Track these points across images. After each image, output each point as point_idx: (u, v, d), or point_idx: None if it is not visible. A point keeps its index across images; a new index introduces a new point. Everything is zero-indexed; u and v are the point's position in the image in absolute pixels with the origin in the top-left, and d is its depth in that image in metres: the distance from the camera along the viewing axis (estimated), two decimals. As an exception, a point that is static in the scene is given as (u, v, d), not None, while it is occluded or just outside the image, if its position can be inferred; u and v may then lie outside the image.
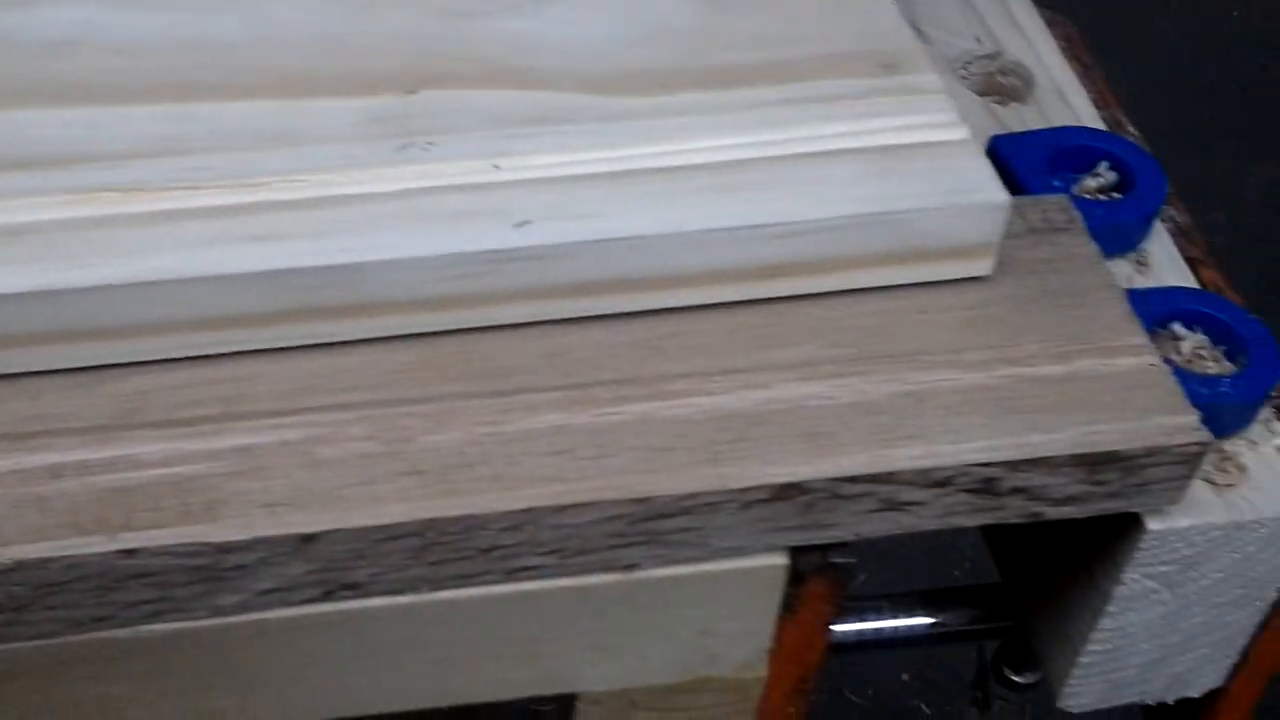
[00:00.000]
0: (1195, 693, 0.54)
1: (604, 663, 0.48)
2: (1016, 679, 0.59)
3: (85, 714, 0.45)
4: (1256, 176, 1.73)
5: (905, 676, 1.29)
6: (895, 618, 0.55)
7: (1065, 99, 0.62)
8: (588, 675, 0.48)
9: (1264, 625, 0.52)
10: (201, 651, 0.44)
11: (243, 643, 0.44)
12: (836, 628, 0.51)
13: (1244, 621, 0.52)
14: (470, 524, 0.43)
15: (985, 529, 0.57)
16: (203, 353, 0.46)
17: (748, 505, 0.44)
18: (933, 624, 0.56)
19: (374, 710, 0.48)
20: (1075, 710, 0.53)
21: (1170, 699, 0.54)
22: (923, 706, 1.28)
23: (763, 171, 0.48)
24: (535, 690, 0.48)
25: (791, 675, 0.50)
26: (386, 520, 0.42)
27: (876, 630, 0.55)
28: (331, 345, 0.46)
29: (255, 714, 0.47)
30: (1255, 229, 1.67)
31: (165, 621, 0.43)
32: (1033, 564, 0.54)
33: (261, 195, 0.47)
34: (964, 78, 0.62)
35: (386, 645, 0.45)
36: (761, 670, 0.49)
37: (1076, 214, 0.52)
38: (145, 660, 0.44)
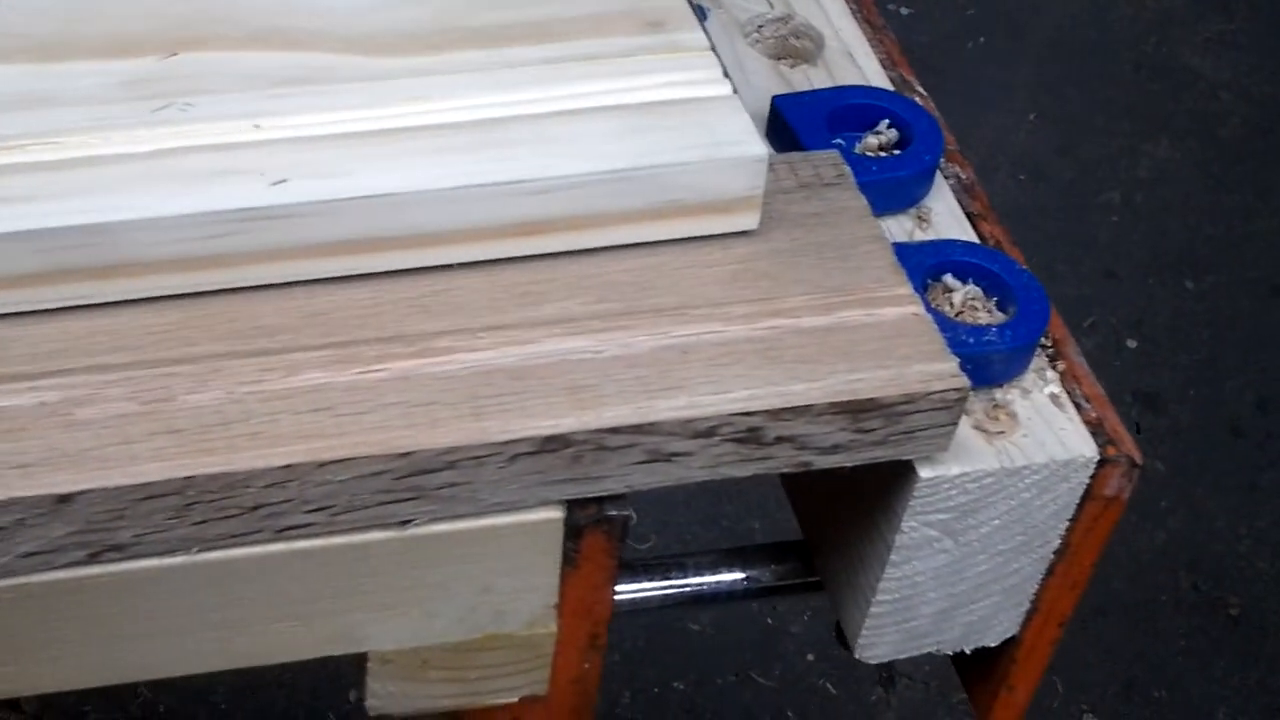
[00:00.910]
0: (992, 642, 0.59)
1: (389, 621, 0.52)
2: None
3: None
4: (1150, 157, 1.82)
5: (810, 657, 1.34)
6: (705, 574, 0.60)
7: (854, 60, 0.67)
8: (374, 634, 0.52)
9: (1050, 571, 0.57)
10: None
11: (6, 607, 0.47)
12: (646, 586, 0.55)
13: (1030, 569, 0.57)
14: (230, 481, 0.47)
15: (786, 486, 0.62)
16: (-49, 317, 0.49)
17: (513, 459, 0.48)
18: (744, 578, 0.61)
19: (160, 675, 0.51)
20: (871, 661, 0.58)
21: (967, 648, 0.59)
22: (829, 686, 1.33)
23: (521, 129, 0.53)
24: (323, 651, 0.52)
25: (583, 631, 0.54)
26: (143, 479, 0.46)
27: (686, 586, 0.60)
28: (92, 307, 0.50)
29: (38, 681, 0.50)
30: (1147, 207, 1.76)
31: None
32: (824, 518, 0.59)
33: (14, 158, 0.50)
34: (756, 42, 0.67)
35: (163, 609, 0.49)
36: (551, 626, 0.54)
37: (847, 168, 0.58)
38: None
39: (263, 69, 0.54)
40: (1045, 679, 0.64)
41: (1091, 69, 1.92)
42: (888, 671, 1.39)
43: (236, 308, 0.51)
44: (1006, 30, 1.93)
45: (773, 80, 0.65)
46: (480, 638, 0.53)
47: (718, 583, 0.62)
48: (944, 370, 0.51)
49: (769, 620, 1.38)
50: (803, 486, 0.62)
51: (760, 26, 0.68)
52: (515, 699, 0.56)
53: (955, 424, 0.51)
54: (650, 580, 0.60)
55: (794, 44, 0.69)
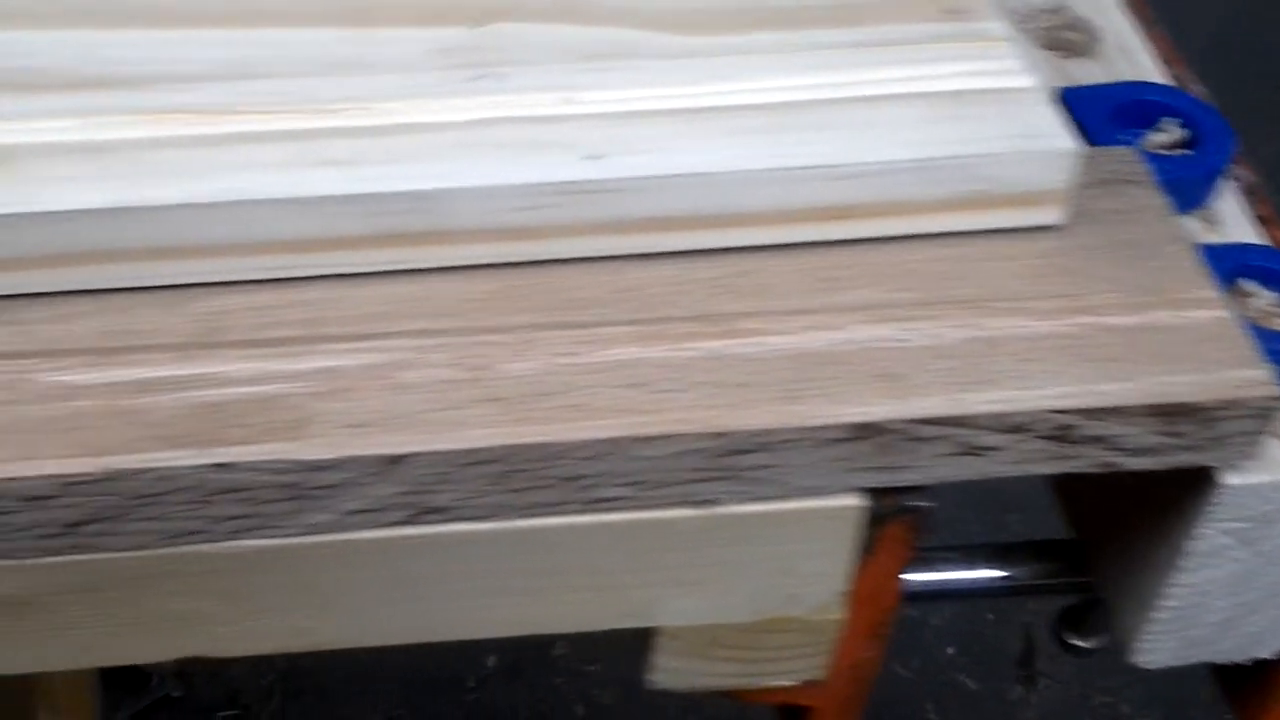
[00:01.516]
0: (1268, 654, 0.61)
1: (684, 598, 0.55)
2: (1079, 643, 0.66)
3: (173, 628, 0.52)
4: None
5: (950, 650, 1.37)
6: (967, 569, 0.63)
7: (1130, 56, 0.69)
8: (669, 609, 0.55)
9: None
10: (288, 570, 0.51)
11: (329, 562, 0.51)
12: (908, 577, 0.58)
13: (1320, 582, 0.59)
14: (551, 451, 0.50)
15: (1056, 484, 0.65)
16: (283, 275, 0.53)
17: (824, 444, 0.51)
18: (1005, 577, 0.63)
19: (456, 636, 0.55)
20: (1148, 667, 0.61)
21: (1243, 659, 0.61)
22: (968, 681, 1.36)
23: (826, 113, 0.56)
24: (614, 623, 0.55)
25: (868, 619, 0.57)
26: (470, 444, 0.49)
27: (948, 581, 0.62)
28: (411, 272, 0.53)
29: (336, 635, 0.54)
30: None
31: (255, 538, 0.50)
32: (1104, 519, 0.62)
33: (333, 121, 0.54)
34: (1028, 31, 0.70)
35: (470, 572, 0.53)
36: (839, 613, 0.57)
37: (1145, 166, 0.60)
38: (233, 576, 0.51)
39: (568, 42, 0.58)
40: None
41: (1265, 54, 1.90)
42: (1028, 670, 1.41)
43: (548, 279, 0.54)
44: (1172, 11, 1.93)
45: (1049, 71, 0.67)
46: (770, 619, 0.56)
47: (975, 579, 0.65)
48: (1257, 377, 0.53)
49: (911, 611, 1.40)
50: (1075, 485, 0.64)
51: (1032, 17, 0.70)
52: (794, 682, 0.59)
53: (1263, 432, 0.54)
54: (919, 573, 0.63)
55: (1067, 36, 0.71)
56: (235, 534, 0.50)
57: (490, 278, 0.53)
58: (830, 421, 0.51)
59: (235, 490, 0.48)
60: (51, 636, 0.52)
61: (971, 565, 0.64)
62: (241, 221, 0.50)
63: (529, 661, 1.45)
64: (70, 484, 0.47)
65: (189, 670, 1.42)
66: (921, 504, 0.54)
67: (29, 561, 0.49)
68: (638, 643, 0.57)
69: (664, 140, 0.54)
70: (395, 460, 0.48)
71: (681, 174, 0.53)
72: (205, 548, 0.50)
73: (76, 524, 0.48)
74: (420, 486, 0.49)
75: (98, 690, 0.77)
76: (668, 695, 0.59)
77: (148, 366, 0.50)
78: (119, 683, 1.37)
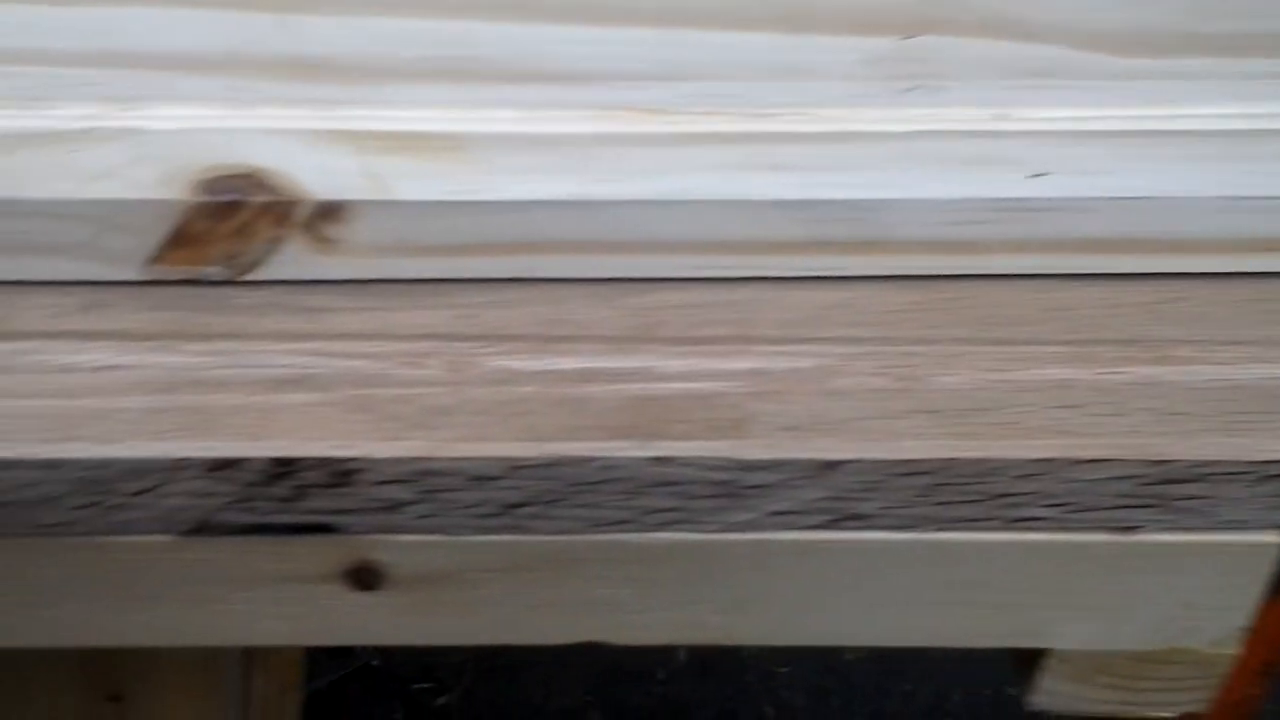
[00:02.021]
0: None
1: (1083, 622, 0.55)
2: None
3: (585, 612, 0.53)
4: None
5: None
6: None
7: None
8: (1064, 632, 0.55)
9: None
10: (704, 565, 0.52)
11: (742, 561, 0.52)
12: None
13: None
14: (985, 468, 0.50)
15: None
16: (715, 275, 0.53)
17: (1262, 479, 0.50)
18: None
19: (859, 643, 0.55)
20: None
21: None
22: None
23: (1269, 143, 0.55)
24: (1003, 641, 0.55)
25: (1259, 657, 0.56)
26: (906, 455, 0.49)
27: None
28: (836, 279, 0.54)
29: (740, 632, 0.54)
30: None
31: (678, 531, 0.51)
32: None
33: (773, 125, 0.55)
34: None
35: (883, 582, 0.53)
36: (1233, 648, 0.56)
37: None
38: (650, 567, 0.52)
39: (999, 58, 0.57)
40: None
41: None
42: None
43: (974, 294, 0.54)
44: None
45: None
46: (1163, 650, 0.56)
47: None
48: None
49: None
50: None
51: None
52: (1173, 714, 0.58)
53: None
54: None
55: None
56: (660, 526, 0.50)
57: (916, 289, 0.53)
58: (1274, 457, 0.50)
59: (669, 484, 0.49)
60: (469, 612, 0.53)
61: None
62: (687, 221, 0.51)
63: (719, 659, 1.44)
64: (516, 467, 0.48)
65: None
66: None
67: (463, 538, 0.50)
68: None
69: (1107, 162, 0.53)
70: (830, 466, 0.49)
71: (1131, 197, 0.52)
72: (630, 537, 0.51)
73: (514, 505, 0.49)
74: (847, 493, 0.50)
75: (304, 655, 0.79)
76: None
77: (586, 357, 0.51)
78: (323, 648, 1.40)
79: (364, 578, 0.52)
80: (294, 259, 0.50)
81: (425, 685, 1.43)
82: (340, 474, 0.48)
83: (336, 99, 0.53)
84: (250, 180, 0.49)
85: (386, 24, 0.55)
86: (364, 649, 1.42)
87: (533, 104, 0.54)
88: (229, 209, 0.49)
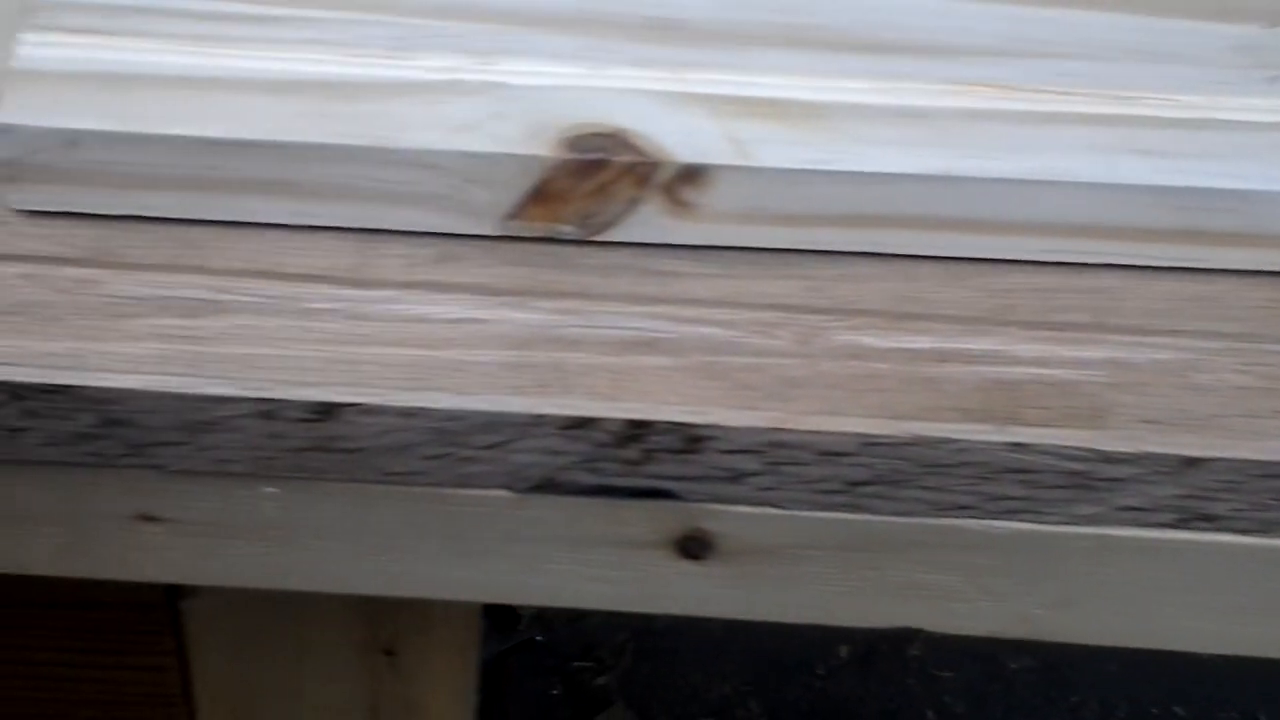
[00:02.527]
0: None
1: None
2: None
3: (909, 598, 0.52)
4: None
5: None
6: None
7: None
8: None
9: None
10: (1040, 557, 0.51)
11: (1081, 556, 0.51)
12: None
13: None
14: (1353, 474, 0.48)
15: None
16: (1070, 260, 0.52)
17: None
18: None
19: (1180, 648, 0.54)
20: None
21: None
22: None
23: None
24: (1263, 652, 0.54)
25: None
26: (1271, 456, 0.48)
27: None
28: (1198, 271, 0.52)
29: (1066, 630, 0.53)
30: None
31: (1019, 521, 0.50)
32: None
33: (1137, 109, 0.53)
34: None
35: (1225, 585, 0.51)
36: None
37: None
38: (984, 556, 0.51)
39: (1369, 50, 0.55)
40: None
41: None
42: None
43: (1337, 293, 0.52)
44: None
45: None
46: None
47: None
48: None
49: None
50: None
51: None
52: None
53: None
54: None
55: None
56: (1004, 514, 0.50)
57: (1274, 285, 0.52)
58: None
59: (1021, 471, 0.48)
60: (790, 588, 0.53)
61: None
62: (1052, 202, 0.50)
63: (882, 657, 1.43)
64: (869, 444, 0.47)
65: (549, 615, 1.45)
66: None
67: (798, 513, 0.50)
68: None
69: None
70: (1192, 463, 0.48)
71: None
72: (969, 524, 0.50)
73: (858, 484, 0.49)
74: (1203, 492, 0.49)
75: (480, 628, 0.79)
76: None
77: (939, 337, 0.50)
78: (491, 620, 1.41)
79: (691, 547, 0.52)
80: (649, 221, 0.50)
81: (585, 664, 1.43)
82: (692, 440, 0.48)
83: (692, 62, 0.53)
84: (615, 140, 0.49)
85: (741, -12, 0.55)
86: (528, 623, 1.43)
87: (890, 75, 0.53)
88: (592, 168, 0.49)
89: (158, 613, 0.64)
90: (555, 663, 1.44)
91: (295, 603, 0.58)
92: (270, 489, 0.50)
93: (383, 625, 0.67)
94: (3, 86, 0.49)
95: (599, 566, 0.53)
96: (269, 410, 0.47)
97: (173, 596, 0.63)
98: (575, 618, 1.46)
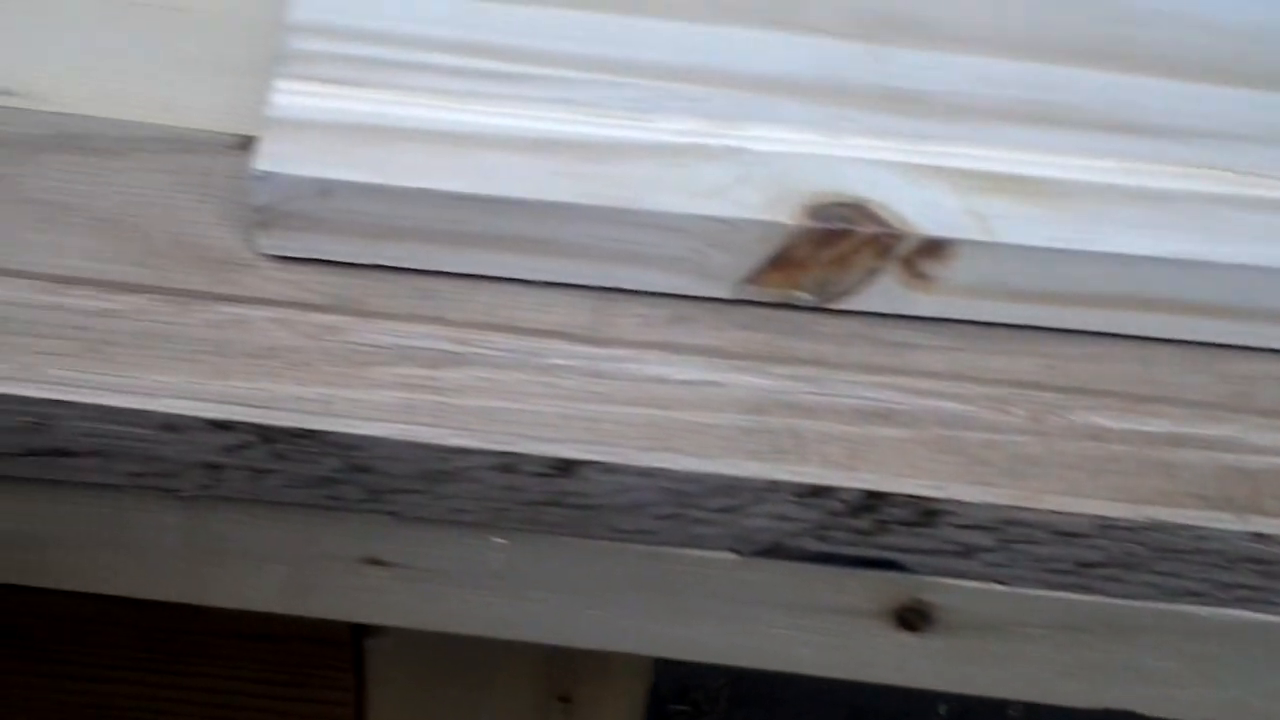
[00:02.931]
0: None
1: None
2: None
3: (1125, 680, 0.52)
4: None
5: None
6: None
7: None
8: None
9: None
10: (1263, 648, 0.51)
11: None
12: None
13: None
14: None
15: None
16: (1294, 346, 0.52)
17: None
18: None
19: None
20: None
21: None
22: None
23: None
24: None
25: None
26: None
27: None
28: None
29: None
30: None
31: (1248, 609, 0.50)
32: None
33: None
34: None
35: None
36: None
37: None
38: (1208, 643, 0.51)
39: None
40: None
41: None
42: None
43: None
44: None
45: None
46: None
47: None
48: None
49: None
50: None
51: None
52: None
53: None
54: None
55: None
56: (1235, 603, 0.49)
57: None
58: None
59: (1260, 561, 0.48)
60: (1004, 665, 0.53)
61: None
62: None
63: (982, 716, 1.40)
64: (1106, 527, 0.47)
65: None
66: None
67: (1023, 590, 0.50)
68: None
69: None
70: None
71: None
72: (1199, 610, 0.50)
73: (1090, 565, 0.49)
74: None
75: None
76: None
77: (1175, 421, 0.50)
78: None
79: (910, 618, 0.52)
80: (886, 292, 0.51)
81: (682, 708, 1.43)
82: (927, 513, 0.48)
83: (932, 134, 0.53)
84: (858, 210, 0.50)
85: (980, 63, 0.56)
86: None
87: (1129, 155, 0.53)
88: (834, 237, 0.50)
89: (342, 649, 0.66)
90: (652, 705, 1.44)
91: (476, 645, 0.59)
92: (499, 539, 0.51)
93: (562, 672, 0.68)
94: (260, 134, 0.50)
95: (812, 632, 0.53)
96: (508, 464, 0.48)
97: (359, 634, 0.65)
98: (672, 661, 1.45)
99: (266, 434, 0.47)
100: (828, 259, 0.51)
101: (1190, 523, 0.48)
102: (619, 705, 0.72)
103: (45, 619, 0.65)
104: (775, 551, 0.50)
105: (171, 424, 0.47)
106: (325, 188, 0.49)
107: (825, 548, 0.50)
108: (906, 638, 0.53)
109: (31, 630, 0.65)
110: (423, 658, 0.67)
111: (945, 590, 0.51)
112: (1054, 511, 0.48)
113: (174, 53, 0.58)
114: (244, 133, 0.54)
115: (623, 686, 0.71)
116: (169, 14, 0.59)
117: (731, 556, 0.51)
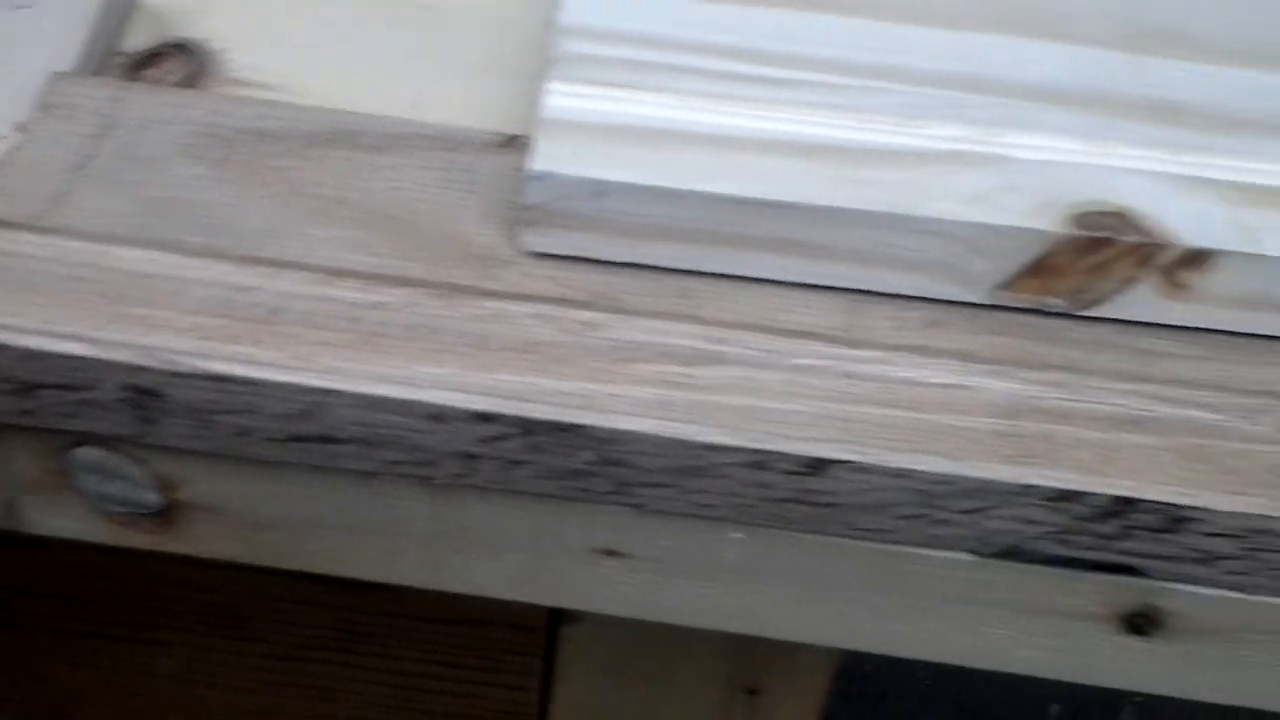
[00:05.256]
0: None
1: None
2: None
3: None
4: None
5: None
6: None
7: None
8: None
9: None
10: None
11: None
12: None
13: None
14: None
15: None
16: None
17: None
18: None
19: None
20: None
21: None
22: None
23: None
24: None
25: None
26: None
27: None
28: None
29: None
30: None
31: None
32: None
33: None
34: None
35: None
36: None
37: None
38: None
39: None
40: None
41: None
42: None
43: None
44: None
45: None
46: None
47: None
48: None
49: None
50: None
51: None
52: None
53: None
54: None
55: None
56: None
57: None
58: None
59: None
60: (1227, 671, 0.56)
61: None
62: None
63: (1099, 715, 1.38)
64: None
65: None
66: None
67: (1257, 598, 0.52)
68: None
69: None
70: None
71: None
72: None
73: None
74: None
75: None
76: None
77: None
78: None
79: (1140, 623, 0.54)
80: (1141, 300, 0.53)
81: None
82: (1174, 520, 0.50)
83: (1196, 145, 0.55)
84: (1121, 219, 0.52)
85: (1243, 75, 0.57)
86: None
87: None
88: (1094, 245, 0.52)
89: (535, 634, 0.69)
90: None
91: (667, 634, 0.62)
92: (737, 534, 0.54)
93: (751, 663, 0.70)
94: (528, 133, 0.54)
95: (1039, 634, 0.56)
96: (761, 461, 0.51)
97: (555, 620, 0.68)
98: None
99: (528, 426, 0.51)
100: (1086, 267, 0.53)
101: None
102: (804, 698, 0.74)
103: (255, 600, 0.69)
104: (1013, 553, 0.53)
105: (438, 415, 0.51)
106: (600, 188, 0.53)
107: (1065, 551, 0.52)
108: (1133, 641, 0.55)
109: (240, 610, 0.69)
110: (613, 646, 0.70)
111: (1180, 596, 0.53)
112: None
113: (427, 50, 0.62)
114: (504, 131, 0.58)
115: (808, 679, 0.73)
116: (419, 12, 0.63)
117: (968, 557, 0.53)
